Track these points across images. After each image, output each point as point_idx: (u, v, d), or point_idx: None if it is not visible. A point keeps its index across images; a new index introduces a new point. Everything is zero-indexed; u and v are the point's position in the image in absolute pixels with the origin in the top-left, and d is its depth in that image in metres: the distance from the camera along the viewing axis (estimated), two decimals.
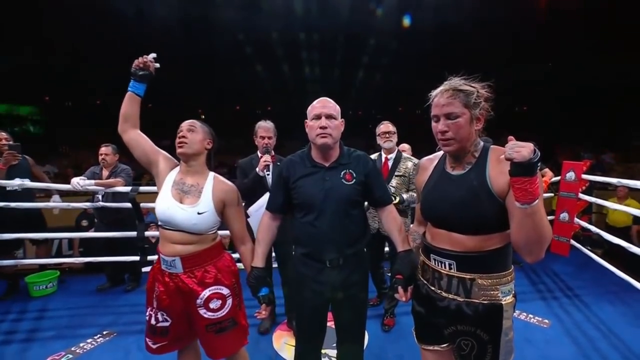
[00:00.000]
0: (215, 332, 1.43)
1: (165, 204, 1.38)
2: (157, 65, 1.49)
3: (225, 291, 1.44)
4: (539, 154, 0.85)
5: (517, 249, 0.99)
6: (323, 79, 13.85)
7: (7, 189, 2.87)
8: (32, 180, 3.06)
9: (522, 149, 0.84)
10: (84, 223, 4.40)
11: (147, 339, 1.50)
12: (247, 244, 1.54)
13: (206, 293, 1.40)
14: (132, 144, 1.47)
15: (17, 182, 2.83)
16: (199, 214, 1.38)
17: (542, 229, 0.91)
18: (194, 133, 1.43)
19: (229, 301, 1.45)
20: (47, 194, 4.69)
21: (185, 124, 1.45)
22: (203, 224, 1.40)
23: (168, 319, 1.45)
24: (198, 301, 1.40)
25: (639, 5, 8.53)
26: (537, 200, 0.88)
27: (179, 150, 1.41)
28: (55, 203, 3.25)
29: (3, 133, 3.08)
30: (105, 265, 3.33)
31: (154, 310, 1.45)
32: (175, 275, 1.41)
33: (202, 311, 1.41)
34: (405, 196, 2.42)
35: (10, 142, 3.04)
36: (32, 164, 3.21)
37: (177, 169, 1.48)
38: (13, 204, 2.75)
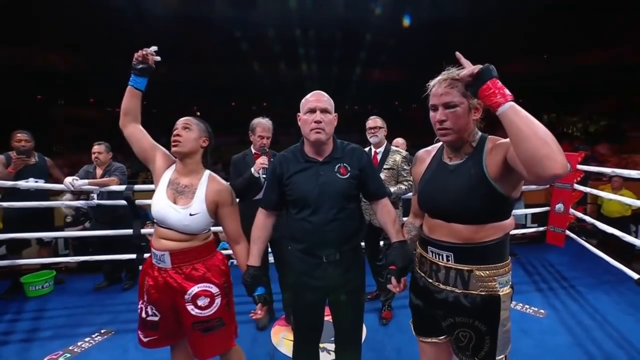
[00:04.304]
0: (202, 330, 1.41)
1: (160, 204, 1.39)
2: (158, 58, 1.47)
3: (214, 289, 1.43)
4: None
5: (529, 164, 0.85)
6: (319, 74, 13.79)
7: (21, 189, 2.89)
8: (48, 182, 3.11)
9: (474, 66, 0.95)
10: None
11: (139, 332, 1.50)
12: (242, 243, 1.53)
13: (194, 289, 1.39)
14: (131, 139, 1.46)
15: (21, 183, 2.86)
16: (191, 215, 1.37)
17: (534, 126, 0.84)
18: (188, 131, 1.42)
19: (218, 300, 1.43)
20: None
21: (180, 122, 1.43)
22: (195, 225, 1.39)
23: (157, 313, 1.44)
24: (186, 297, 1.39)
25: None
26: (512, 99, 0.88)
27: (173, 149, 1.40)
28: (59, 202, 3.27)
29: (24, 134, 3.08)
30: (102, 264, 3.31)
31: (144, 303, 1.45)
32: (164, 270, 1.40)
33: (189, 307, 1.40)
34: (393, 189, 2.43)
35: (21, 147, 3.03)
36: (50, 165, 3.25)
37: (174, 167, 1.47)
38: (17, 204, 2.77)
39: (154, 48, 1.46)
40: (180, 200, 1.39)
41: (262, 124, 2.37)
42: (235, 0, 10.39)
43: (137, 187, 3.02)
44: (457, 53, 1.00)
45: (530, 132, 0.84)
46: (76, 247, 4.43)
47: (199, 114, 15.01)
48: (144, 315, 1.46)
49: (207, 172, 1.48)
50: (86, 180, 2.93)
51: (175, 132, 1.41)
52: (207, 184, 1.44)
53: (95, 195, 3.11)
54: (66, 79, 12.03)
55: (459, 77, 0.99)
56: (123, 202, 2.93)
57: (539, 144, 0.82)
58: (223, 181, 1.50)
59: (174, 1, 10.11)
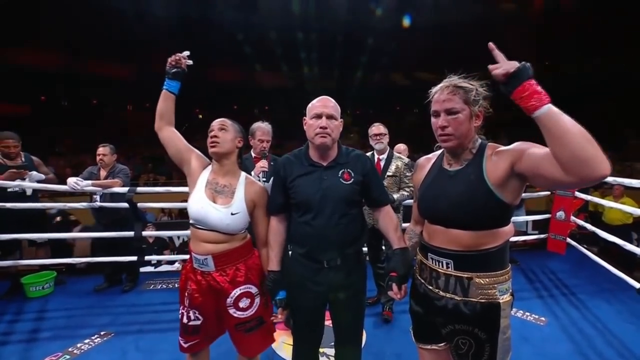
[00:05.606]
0: (245, 331, 1.46)
1: (199, 203, 1.40)
2: (190, 62, 1.51)
3: (254, 290, 1.47)
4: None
5: (575, 166, 0.81)
6: (321, 77, 13.86)
7: (8, 190, 2.86)
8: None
9: (508, 63, 0.88)
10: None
11: (180, 339, 1.51)
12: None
13: (237, 292, 1.43)
14: (167, 142, 1.49)
15: (15, 183, 2.83)
16: (232, 214, 1.40)
17: (578, 127, 0.81)
18: (225, 132, 1.44)
19: (257, 300, 1.47)
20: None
21: (216, 123, 1.45)
22: (235, 224, 1.42)
23: (200, 317, 1.46)
24: (228, 300, 1.42)
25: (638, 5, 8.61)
26: (549, 101, 0.84)
27: (211, 150, 1.42)
28: (49, 204, 3.25)
29: (11, 140, 2.99)
30: (104, 266, 3.31)
31: (185, 309, 1.47)
32: (208, 274, 1.43)
33: (231, 310, 1.43)
34: (395, 196, 2.46)
35: (9, 152, 2.98)
36: (38, 164, 3.18)
37: (209, 168, 1.49)
38: (9, 205, 2.72)
39: (186, 53, 1.50)
40: (220, 200, 1.41)
41: (262, 128, 2.39)
42: (238, 3, 10.48)
43: (139, 189, 3.04)
44: (491, 44, 0.93)
45: (575, 133, 0.81)
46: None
47: (201, 116, 15.08)
48: (185, 320, 1.47)
49: (243, 173, 1.52)
50: (90, 182, 2.95)
51: (212, 134, 1.42)
52: (245, 184, 1.47)
53: (98, 197, 3.12)
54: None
55: (491, 73, 0.90)
56: (125, 204, 2.94)
57: (586, 145, 0.80)
58: (259, 182, 1.54)
59: (176, 3, 10.18)
